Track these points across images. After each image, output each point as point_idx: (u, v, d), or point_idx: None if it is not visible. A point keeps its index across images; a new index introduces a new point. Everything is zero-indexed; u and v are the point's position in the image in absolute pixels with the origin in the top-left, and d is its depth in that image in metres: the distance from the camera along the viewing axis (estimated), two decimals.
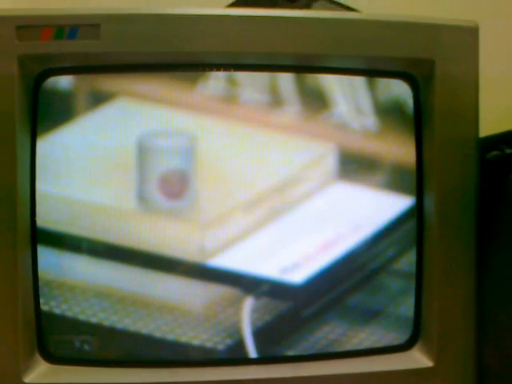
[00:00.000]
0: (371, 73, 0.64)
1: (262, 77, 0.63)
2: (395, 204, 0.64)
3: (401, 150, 0.64)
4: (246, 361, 0.63)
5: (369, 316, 0.64)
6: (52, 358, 0.62)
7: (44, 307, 0.62)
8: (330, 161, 0.62)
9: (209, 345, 0.61)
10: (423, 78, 0.63)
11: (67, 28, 0.58)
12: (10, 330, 0.60)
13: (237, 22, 0.61)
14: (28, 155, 0.61)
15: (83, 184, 0.61)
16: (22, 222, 0.61)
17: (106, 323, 0.61)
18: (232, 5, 0.75)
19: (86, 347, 0.61)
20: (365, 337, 0.63)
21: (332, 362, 0.63)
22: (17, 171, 0.60)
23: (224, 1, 0.76)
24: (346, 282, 0.63)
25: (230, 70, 0.62)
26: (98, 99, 0.62)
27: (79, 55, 0.59)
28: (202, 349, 0.61)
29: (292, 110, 0.62)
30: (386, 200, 0.63)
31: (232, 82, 0.61)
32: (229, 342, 0.61)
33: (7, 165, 0.59)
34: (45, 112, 0.61)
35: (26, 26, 0.58)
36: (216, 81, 0.61)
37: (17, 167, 0.60)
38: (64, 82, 0.61)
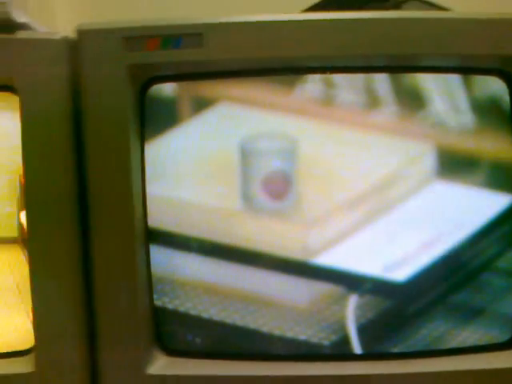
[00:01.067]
0: (466, 70, 0.57)
1: (357, 78, 0.57)
2: (496, 202, 0.56)
3: (499, 147, 0.57)
4: (351, 357, 0.57)
5: (471, 314, 0.57)
6: (168, 351, 0.59)
7: (157, 303, 0.58)
8: (427, 160, 0.55)
9: (314, 340, 0.56)
10: None
11: (172, 38, 0.53)
12: (132, 324, 0.58)
13: (331, 26, 0.55)
14: (139, 160, 0.56)
15: (190, 186, 0.57)
16: (137, 224, 0.57)
17: (216, 318, 0.57)
18: (309, 9, 0.70)
19: (198, 340, 0.57)
20: (467, 335, 0.56)
21: (435, 360, 0.56)
22: (131, 175, 0.56)
23: (297, 6, 0.69)
24: (449, 281, 0.56)
25: (326, 73, 0.55)
26: (201, 104, 0.57)
27: (183, 63, 0.55)
28: (307, 344, 0.56)
29: (388, 110, 0.55)
30: (487, 198, 0.56)
31: (329, 84, 0.55)
32: (333, 337, 0.56)
33: (123, 169, 0.56)
34: (151, 118, 0.58)
35: (134, 37, 0.54)
36: (313, 83, 0.55)
37: (131, 173, 0.56)
38: (167, 88, 0.58)
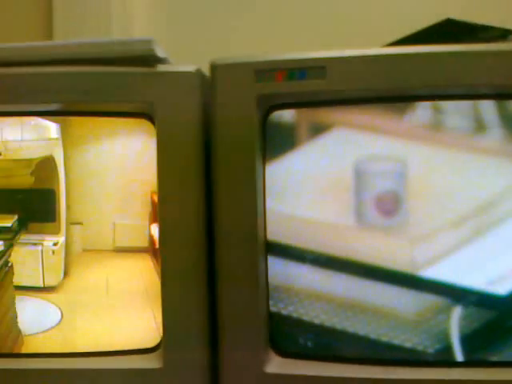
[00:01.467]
0: None
1: (464, 104, 0.58)
2: None
3: None
4: (453, 364, 0.58)
5: None
6: (282, 353, 0.61)
7: (273, 309, 0.61)
8: None
9: (419, 348, 0.58)
10: None
11: (298, 70, 0.57)
12: (251, 328, 0.61)
13: (440, 58, 0.57)
14: (261, 179, 0.60)
15: (306, 203, 0.60)
16: (259, 237, 0.61)
17: (327, 324, 0.60)
18: (406, 39, 0.72)
19: (309, 344, 0.59)
20: None
21: None
22: (256, 194, 0.60)
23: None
24: None
25: (434, 100, 0.57)
26: (318, 129, 0.61)
27: (306, 93, 0.58)
28: (413, 351, 0.58)
29: (494, 134, 0.56)
30: None
31: (437, 111, 0.57)
32: (437, 346, 0.58)
33: (249, 188, 0.61)
34: (272, 141, 0.61)
35: (264, 70, 0.58)
36: (422, 110, 0.57)
37: (255, 189, 0.60)
38: (287, 115, 0.61)
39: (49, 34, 1.02)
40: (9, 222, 0.64)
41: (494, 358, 0.58)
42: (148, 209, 0.64)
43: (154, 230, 0.63)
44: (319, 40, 0.88)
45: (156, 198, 0.63)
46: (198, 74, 0.62)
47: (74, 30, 1.02)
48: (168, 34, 0.99)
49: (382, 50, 0.58)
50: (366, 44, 0.66)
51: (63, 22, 1.03)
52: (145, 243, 0.64)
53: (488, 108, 0.58)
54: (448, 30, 0.67)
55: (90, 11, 1.02)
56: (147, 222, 0.64)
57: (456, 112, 0.58)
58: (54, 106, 0.65)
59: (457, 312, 0.58)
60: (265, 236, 0.61)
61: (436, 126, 0.58)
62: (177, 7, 1.02)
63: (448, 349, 0.58)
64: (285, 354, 0.61)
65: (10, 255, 0.64)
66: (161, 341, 0.62)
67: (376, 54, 0.57)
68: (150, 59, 0.62)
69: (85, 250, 0.64)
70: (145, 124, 0.63)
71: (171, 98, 0.61)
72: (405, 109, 0.59)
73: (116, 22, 1.02)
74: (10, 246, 0.64)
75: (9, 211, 0.64)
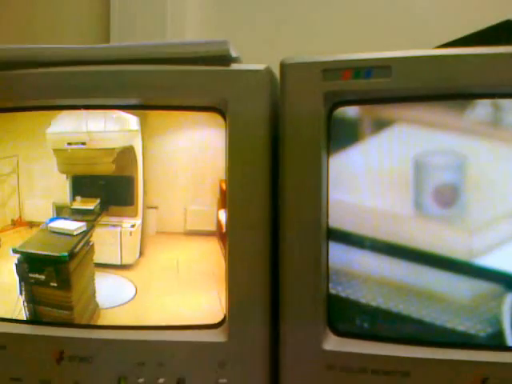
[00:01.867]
0: None
1: None
2: None
3: None
4: (506, 348, 0.59)
5: None
6: (339, 332, 0.64)
7: (332, 291, 0.63)
8: None
9: (472, 331, 0.59)
10: None
11: (364, 70, 0.58)
12: (311, 308, 0.64)
13: (501, 58, 0.58)
14: (325, 170, 0.61)
15: (367, 193, 0.62)
16: (322, 223, 0.64)
17: (384, 307, 0.62)
18: (464, 39, 0.73)
19: (366, 325, 0.60)
20: None
21: None
22: (321, 183, 0.63)
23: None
24: None
25: (494, 98, 0.59)
26: (380, 125, 0.64)
27: (372, 91, 0.61)
28: (465, 334, 0.59)
29: None
30: None
31: (497, 108, 0.58)
32: (489, 330, 0.58)
33: (313, 178, 0.64)
34: (336, 136, 0.64)
35: (331, 69, 0.60)
36: (482, 107, 0.58)
37: (320, 179, 0.63)
38: (350, 111, 0.64)
39: (106, 37, 1.06)
40: (92, 205, 0.68)
41: None
42: (216, 196, 0.67)
43: (222, 215, 0.66)
44: (381, 40, 0.89)
45: (224, 186, 0.65)
46: (268, 72, 0.64)
47: (130, 33, 1.05)
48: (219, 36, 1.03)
49: (443, 51, 0.60)
50: (426, 44, 0.67)
51: (120, 24, 1.06)
52: (213, 227, 0.67)
53: None
54: (507, 32, 0.68)
55: (145, 15, 1.04)
56: (215, 208, 0.67)
57: None
58: (134, 101, 0.67)
59: (509, 299, 0.58)
60: (327, 223, 0.63)
61: (494, 123, 0.59)
62: (228, 10, 1.04)
63: (499, 333, 0.59)
64: (341, 333, 0.63)
65: (91, 235, 0.67)
66: (224, 317, 0.64)
67: (437, 54, 0.60)
68: (224, 59, 0.64)
69: (158, 232, 0.67)
70: (216, 117, 0.67)
71: (243, 94, 0.64)
72: (465, 106, 0.60)
73: (170, 25, 1.05)
74: (92, 227, 0.67)
75: (92, 195, 0.68)
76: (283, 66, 0.64)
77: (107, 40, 1.07)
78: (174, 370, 0.66)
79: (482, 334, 0.61)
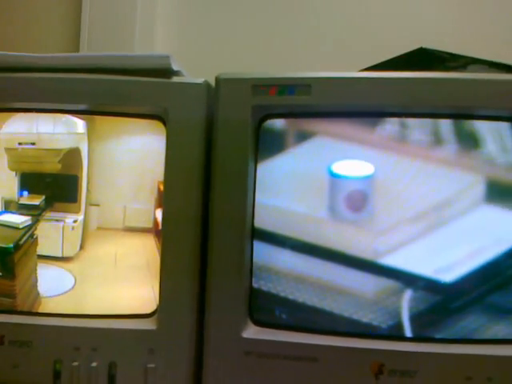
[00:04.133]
0: None
1: (426, 122, 0.69)
2: None
3: None
4: (404, 338, 0.68)
5: (504, 313, 0.68)
6: (258, 322, 0.71)
7: (255, 285, 0.71)
8: (478, 188, 0.66)
9: (375, 323, 0.67)
10: None
11: (288, 87, 0.66)
12: (234, 300, 0.71)
13: (409, 82, 0.67)
14: (252, 176, 0.70)
15: (289, 198, 0.70)
16: (247, 224, 0.71)
17: (300, 300, 0.69)
18: (383, 64, 0.81)
19: (284, 316, 0.68)
20: (499, 329, 0.66)
21: (473, 346, 0.65)
22: (247, 188, 0.70)
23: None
24: (488, 284, 0.66)
25: (401, 117, 0.67)
26: (302, 137, 0.72)
27: (294, 106, 0.69)
28: (369, 325, 0.67)
29: (450, 147, 0.66)
30: None
31: (403, 126, 0.67)
32: (390, 322, 0.66)
33: (241, 183, 0.71)
34: (264, 145, 0.72)
35: (259, 85, 0.68)
36: (391, 124, 0.67)
37: (247, 185, 0.71)
38: (278, 123, 0.72)
39: (75, 47, 1.12)
40: (37, 200, 0.74)
41: (438, 336, 0.66)
42: (154, 196, 0.73)
43: (159, 213, 0.73)
44: (308, 61, 0.99)
45: (162, 187, 0.72)
46: (205, 85, 0.72)
47: (99, 46, 1.11)
48: (182, 50, 1.10)
49: (358, 74, 0.68)
50: (349, 67, 0.76)
51: (90, 36, 1.12)
52: (150, 225, 0.74)
53: (445, 126, 0.68)
54: (420, 58, 0.76)
55: (115, 28, 1.11)
56: (153, 207, 0.73)
57: (419, 127, 0.67)
58: (82, 106, 0.74)
59: (408, 294, 0.66)
60: (252, 223, 0.69)
61: (401, 139, 0.68)
62: (194, 29, 1.12)
63: (399, 325, 0.67)
64: (261, 323, 0.70)
65: (35, 229, 0.74)
66: (157, 307, 0.70)
67: (353, 76, 0.68)
68: (166, 72, 0.72)
69: (99, 228, 0.74)
70: (158, 124, 0.74)
71: (182, 104, 0.72)
72: (376, 123, 0.68)
73: (139, 39, 1.11)
74: (36, 221, 0.73)
75: (38, 192, 0.74)
76: (218, 81, 0.72)
77: (77, 50, 1.14)
78: (106, 355, 0.72)
79: (383, 325, 0.68)
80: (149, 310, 0.74)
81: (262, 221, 0.72)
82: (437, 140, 0.69)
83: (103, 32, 1.11)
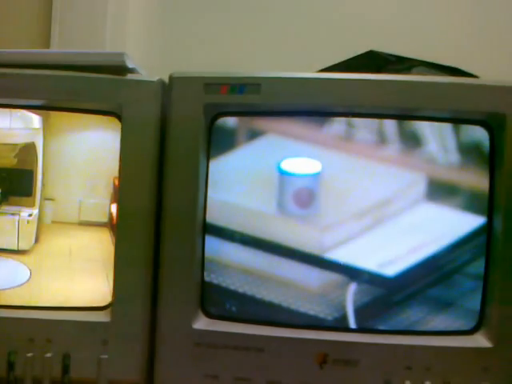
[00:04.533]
0: (456, 121, 0.71)
1: (371, 122, 0.72)
2: (469, 221, 0.70)
3: (477, 180, 0.71)
4: (348, 330, 0.71)
5: (444, 306, 0.71)
6: (209, 314, 0.73)
7: (206, 278, 0.73)
8: (420, 186, 0.69)
9: (321, 315, 0.70)
10: (497, 126, 0.70)
11: (238, 86, 0.68)
12: (186, 292, 0.73)
13: (356, 83, 0.69)
14: (204, 172, 0.72)
15: (239, 193, 0.72)
16: (198, 219, 0.73)
17: (249, 293, 0.72)
18: (335, 66, 0.84)
19: (233, 309, 0.70)
20: (439, 321, 0.69)
21: (413, 337, 0.69)
22: (198, 184, 0.72)
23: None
24: (428, 278, 0.69)
25: (348, 116, 0.69)
26: (253, 134, 0.74)
27: (245, 105, 0.71)
28: (316, 317, 0.70)
29: (393, 147, 0.68)
30: (463, 218, 0.70)
31: (350, 125, 0.69)
32: (336, 314, 0.69)
33: (192, 179, 0.73)
34: (216, 142, 0.74)
35: (211, 84, 0.69)
36: (338, 124, 0.69)
37: (198, 181, 0.72)
38: (230, 121, 0.74)
39: (46, 44, 1.13)
40: None
41: (381, 327, 0.69)
42: (109, 191, 0.75)
43: (114, 208, 0.74)
44: (265, 61, 1.01)
45: (117, 183, 0.73)
46: (159, 83, 0.74)
47: (70, 39, 1.12)
48: (150, 48, 1.12)
49: (306, 74, 0.70)
50: (308, 67, 0.79)
51: (60, 33, 1.13)
52: (105, 219, 0.75)
53: (390, 126, 0.70)
54: (369, 60, 0.79)
55: (86, 24, 1.12)
56: (108, 202, 0.75)
57: (364, 127, 0.70)
58: (38, 102, 0.75)
59: (352, 288, 0.69)
60: (204, 218, 0.71)
61: (348, 138, 0.70)
62: (165, 27, 1.14)
63: (344, 317, 0.69)
64: (212, 315, 0.72)
65: None
66: (111, 300, 0.72)
67: (301, 77, 0.70)
68: (121, 69, 0.73)
69: (54, 222, 0.75)
70: (113, 121, 0.75)
71: (136, 101, 0.74)
72: (324, 122, 0.70)
73: (110, 38, 1.12)
74: None
75: None
76: (171, 79, 0.74)
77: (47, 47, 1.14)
78: (60, 346, 0.74)
79: (329, 317, 0.71)
80: (104, 303, 0.76)
81: (213, 216, 0.74)
82: (381, 139, 0.72)
83: (74, 30, 1.12)
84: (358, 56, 0.83)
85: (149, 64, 1.05)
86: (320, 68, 0.85)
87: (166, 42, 1.15)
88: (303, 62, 0.90)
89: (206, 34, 1.14)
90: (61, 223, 0.78)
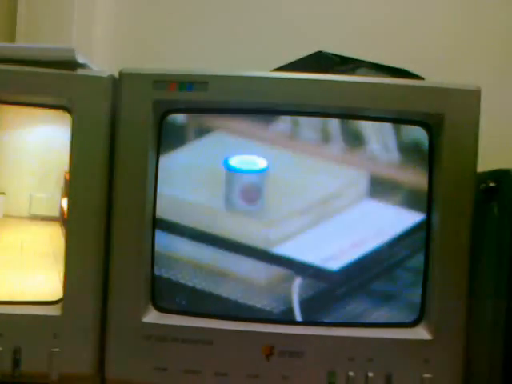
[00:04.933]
0: (397, 121, 0.74)
1: (316, 120, 0.73)
2: (410, 217, 0.73)
3: (417, 178, 0.74)
4: (294, 322, 0.73)
5: (386, 299, 0.73)
6: (159, 308, 0.75)
7: (156, 272, 0.73)
8: (362, 183, 0.71)
9: (268, 308, 0.72)
10: (436, 126, 0.72)
11: (187, 83, 0.69)
12: (136, 286, 0.74)
13: (302, 83, 0.71)
14: (154, 168, 0.73)
15: (188, 189, 0.73)
16: (147, 214, 0.75)
17: (198, 287, 0.73)
18: (285, 66, 0.86)
19: (183, 302, 0.72)
20: (382, 314, 0.72)
21: (356, 329, 0.71)
22: (147, 179, 0.73)
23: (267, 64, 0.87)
24: (370, 272, 0.72)
25: (294, 115, 0.71)
26: (202, 131, 0.75)
27: (193, 102, 0.72)
28: (262, 310, 0.72)
29: (337, 145, 0.70)
30: (404, 214, 0.73)
31: (295, 124, 0.71)
32: (282, 307, 0.71)
33: (141, 175, 0.74)
34: (166, 138, 0.75)
35: (160, 81, 0.70)
36: (284, 122, 0.71)
37: (147, 176, 0.73)
38: (179, 118, 0.75)
39: (11, 38, 1.12)
40: None
41: (326, 320, 0.72)
42: (60, 185, 0.75)
43: (65, 203, 0.75)
44: (220, 59, 1.03)
45: (68, 177, 0.74)
46: (110, 79, 0.74)
47: (36, 34, 1.11)
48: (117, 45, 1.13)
49: (254, 73, 0.71)
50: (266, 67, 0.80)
51: (26, 27, 1.12)
52: (56, 213, 0.76)
53: (334, 125, 0.72)
54: (317, 61, 0.81)
55: (52, 17, 1.11)
56: (59, 196, 0.75)
57: (309, 126, 0.72)
58: None
59: (297, 281, 0.71)
60: (154, 214, 0.73)
61: (293, 136, 0.72)
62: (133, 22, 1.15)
63: (290, 310, 0.72)
64: (163, 309, 0.74)
65: None
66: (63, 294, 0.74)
67: (248, 75, 0.71)
68: (71, 64, 0.74)
69: (5, 216, 0.76)
70: (64, 115, 0.76)
71: (87, 96, 0.74)
72: (270, 120, 0.72)
73: (77, 29, 1.12)
74: None
75: None
76: (121, 75, 0.74)
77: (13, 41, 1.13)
78: (11, 340, 0.75)
79: (275, 310, 0.74)
80: (55, 297, 0.77)
81: (163, 211, 0.75)
82: (326, 138, 0.74)
83: (40, 25, 1.11)
84: (307, 57, 0.85)
85: (116, 60, 1.07)
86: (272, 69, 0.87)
87: (134, 39, 1.15)
88: (256, 62, 0.91)
89: (168, 28, 1.15)
90: (11, 217, 0.78)
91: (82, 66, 0.78)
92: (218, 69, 0.74)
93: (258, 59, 0.98)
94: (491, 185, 0.70)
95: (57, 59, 0.76)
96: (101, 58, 1.13)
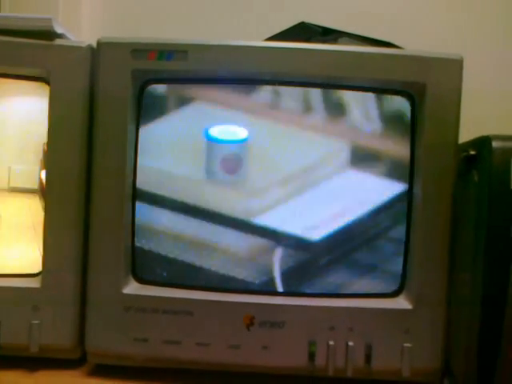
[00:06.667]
0: (379, 90, 0.74)
1: (298, 90, 0.73)
2: (392, 188, 0.73)
3: (399, 148, 0.74)
4: (275, 293, 0.74)
5: (367, 269, 0.74)
6: (140, 280, 0.75)
7: (137, 244, 0.73)
8: (344, 153, 0.71)
9: (249, 279, 0.72)
10: (418, 96, 0.72)
11: (166, 52, 0.69)
12: (116, 258, 0.74)
13: (282, 51, 0.70)
14: (133, 139, 0.73)
15: (169, 160, 0.73)
16: (127, 185, 0.75)
17: (179, 258, 0.73)
18: (270, 38, 0.86)
19: (164, 274, 0.72)
20: (363, 284, 0.72)
21: (337, 299, 0.71)
22: (126, 150, 0.72)
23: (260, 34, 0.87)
24: (352, 243, 0.72)
25: (275, 85, 0.71)
26: (182, 102, 0.75)
27: (173, 71, 0.72)
28: (244, 281, 0.72)
29: (319, 115, 0.70)
30: (386, 184, 0.73)
31: (276, 93, 0.71)
32: (263, 278, 0.71)
33: (120, 146, 0.74)
34: (146, 109, 0.75)
35: (138, 50, 0.70)
36: (265, 92, 0.71)
37: (126, 147, 0.73)
38: (160, 88, 0.75)
39: None
40: None
41: (307, 290, 0.72)
42: (40, 157, 0.75)
43: (44, 174, 0.74)
44: (208, 30, 1.02)
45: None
46: (88, 48, 0.74)
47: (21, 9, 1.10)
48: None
49: (234, 42, 0.71)
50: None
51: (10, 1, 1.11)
52: (35, 185, 0.75)
53: (315, 94, 0.72)
54: (301, 32, 0.81)
55: None
56: (38, 168, 0.75)
57: (291, 96, 0.72)
58: None
59: (278, 252, 0.71)
60: (134, 185, 0.72)
61: (274, 106, 0.71)
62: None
63: (271, 281, 0.72)
64: (143, 280, 0.74)
65: None
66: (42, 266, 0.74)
67: (228, 44, 0.71)
68: (49, 34, 0.73)
69: None
70: (42, 87, 0.75)
71: (65, 67, 0.74)
72: (251, 90, 0.72)
73: (63, 4, 1.11)
74: None
75: None
76: (99, 44, 0.74)
77: None
78: None
79: (256, 281, 0.74)
80: (35, 270, 0.77)
81: (143, 182, 0.75)
82: (307, 108, 0.74)
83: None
84: (290, 28, 0.85)
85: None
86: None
87: (122, 14, 1.14)
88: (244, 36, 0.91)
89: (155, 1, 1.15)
90: None
91: (60, 35, 0.77)
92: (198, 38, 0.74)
93: (246, 33, 0.97)
94: (472, 153, 0.70)
95: (34, 29, 0.75)
96: (88, 34, 1.12)
